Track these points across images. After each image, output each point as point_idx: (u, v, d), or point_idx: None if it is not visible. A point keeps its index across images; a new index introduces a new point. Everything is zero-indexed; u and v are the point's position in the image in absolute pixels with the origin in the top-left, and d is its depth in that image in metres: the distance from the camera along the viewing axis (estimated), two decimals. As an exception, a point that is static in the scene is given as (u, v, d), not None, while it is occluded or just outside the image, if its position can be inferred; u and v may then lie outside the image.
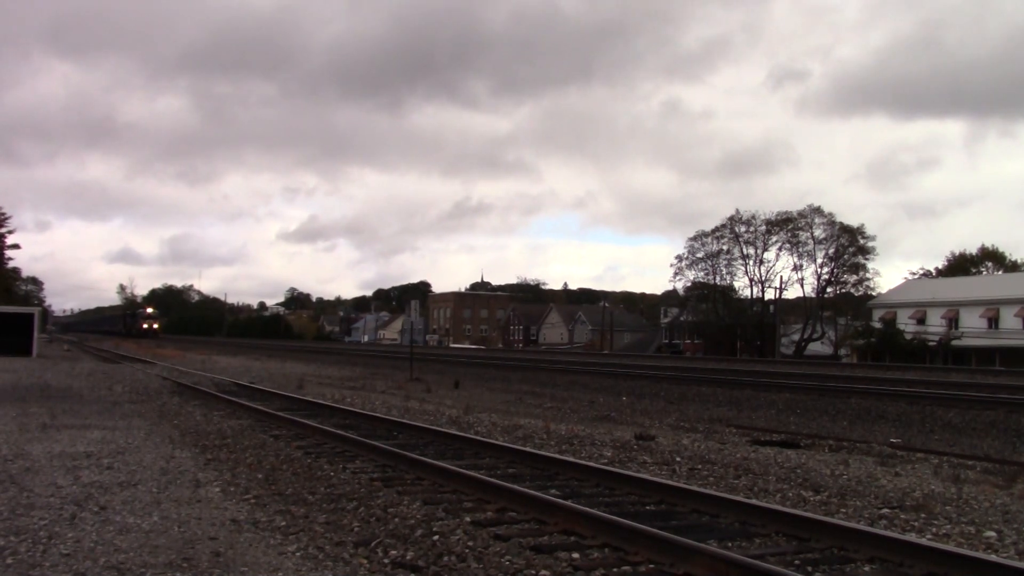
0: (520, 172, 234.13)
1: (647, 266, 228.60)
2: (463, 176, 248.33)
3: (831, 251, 74.93)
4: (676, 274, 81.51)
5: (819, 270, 75.50)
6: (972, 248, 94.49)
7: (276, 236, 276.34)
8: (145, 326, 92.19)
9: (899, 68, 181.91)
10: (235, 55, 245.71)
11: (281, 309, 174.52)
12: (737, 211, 78.19)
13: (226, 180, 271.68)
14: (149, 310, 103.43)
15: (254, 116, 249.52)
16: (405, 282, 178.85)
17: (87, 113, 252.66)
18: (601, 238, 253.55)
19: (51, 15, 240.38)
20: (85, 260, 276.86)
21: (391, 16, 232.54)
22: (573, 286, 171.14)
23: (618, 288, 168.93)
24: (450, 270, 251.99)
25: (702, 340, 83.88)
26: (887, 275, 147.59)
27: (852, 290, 76.75)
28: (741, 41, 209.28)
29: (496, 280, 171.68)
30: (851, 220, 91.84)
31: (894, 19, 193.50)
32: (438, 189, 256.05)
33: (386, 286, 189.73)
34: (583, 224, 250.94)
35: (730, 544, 6.40)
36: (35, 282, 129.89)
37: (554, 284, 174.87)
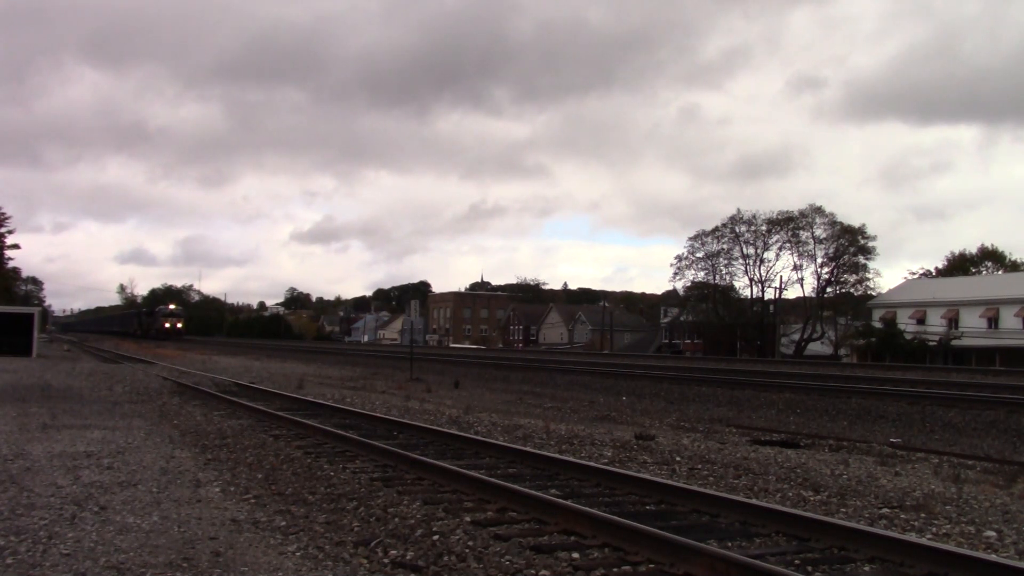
0: (537, 175, 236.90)
1: (655, 267, 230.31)
2: (480, 179, 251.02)
3: (831, 251, 74.96)
4: (676, 274, 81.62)
5: (819, 270, 75.59)
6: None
7: (289, 237, 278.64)
8: (167, 325, 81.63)
9: (914, 76, 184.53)
10: (269, 64, 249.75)
11: (281, 309, 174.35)
12: (738, 211, 78.26)
13: (246, 183, 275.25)
14: (171, 307, 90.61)
15: (281, 123, 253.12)
16: (415, 283, 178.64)
17: (114, 119, 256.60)
18: (611, 240, 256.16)
19: (89, 27, 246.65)
20: (98, 261, 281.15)
21: (421, 26, 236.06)
22: (582, 287, 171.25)
23: (627, 289, 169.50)
24: (460, 271, 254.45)
25: (702, 340, 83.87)
26: (894, 276, 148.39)
27: (852, 290, 76.68)
28: (760, 51, 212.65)
29: (503, 281, 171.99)
30: (860, 222, 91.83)
31: (910, 28, 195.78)
32: (454, 192, 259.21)
33: (395, 286, 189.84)
34: (594, 226, 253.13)
35: (730, 544, 6.40)
36: (35, 282, 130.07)
37: (561, 285, 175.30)
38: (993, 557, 6.06)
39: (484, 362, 39.70)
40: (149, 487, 8.38)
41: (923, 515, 7.70)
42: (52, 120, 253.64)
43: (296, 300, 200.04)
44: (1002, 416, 16.61)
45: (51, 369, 29.00)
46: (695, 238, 79.63)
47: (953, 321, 68.74)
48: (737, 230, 77.13)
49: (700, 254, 79.21)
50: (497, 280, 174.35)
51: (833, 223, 74.56)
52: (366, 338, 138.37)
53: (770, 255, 76.55)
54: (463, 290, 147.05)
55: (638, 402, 21.95)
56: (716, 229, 78.15)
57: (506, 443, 11.47)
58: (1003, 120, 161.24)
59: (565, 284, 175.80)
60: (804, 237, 75.06)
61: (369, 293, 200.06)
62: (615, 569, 5.75)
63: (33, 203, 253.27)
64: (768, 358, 61.69)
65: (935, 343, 62.45)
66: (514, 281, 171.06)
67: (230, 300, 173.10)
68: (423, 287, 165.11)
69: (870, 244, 74.12)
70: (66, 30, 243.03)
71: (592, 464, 9.65)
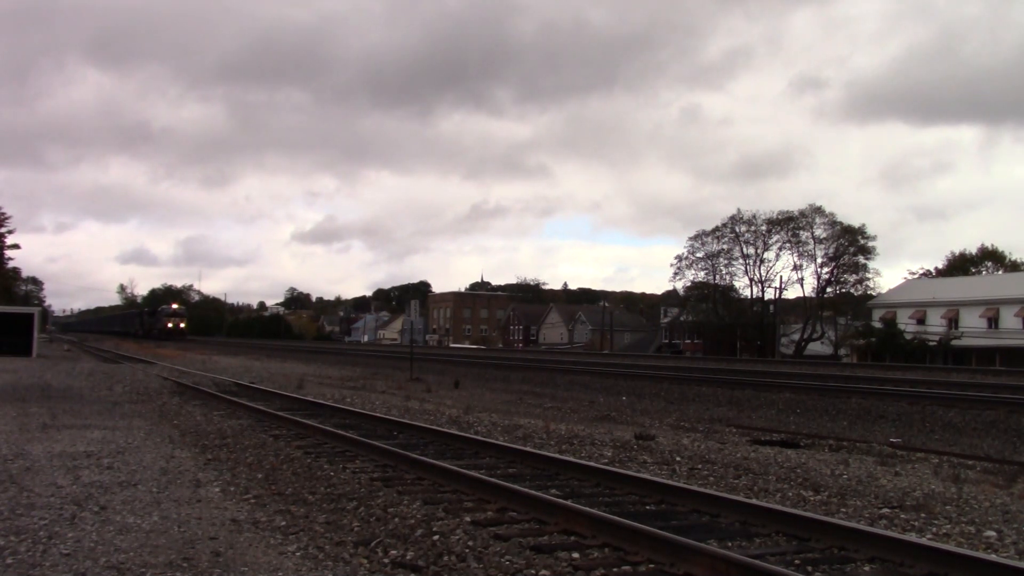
0: (538, 176, 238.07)
1: (656, 267, 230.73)
2: (481, 180, 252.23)
3: (831, 251, 74.97)
4: (676, 274, 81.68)
5: (819, 270, 75.63)
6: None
7: (291, 237, 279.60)
8: (170, 325, 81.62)
9: (915, 76, 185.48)
10: (272, 65, 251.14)
11: (281, 309, 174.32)
12: (738, 211, 78.32)
13: (248, 183, 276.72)
14: (174, 306, 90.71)
15: (283, 123, 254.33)
16: (415, 283, 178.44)
17: (117, 119, 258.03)
18: (612, 240, 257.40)
19: (92, 27, 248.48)
20: (99, 261, 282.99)
21: (424, 27, 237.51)
22: (583, 287, 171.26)
23: (627, 289, 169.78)
24: (460, 271, 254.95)
25: (702, 340, 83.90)
26: (894, 276, 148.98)
27: (852, 290, 76.75)
28: (762, 51, 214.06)
29: (503, 281, 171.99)
30: (860, 222, 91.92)
31: (911, 29, 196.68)
32: (456, 192, 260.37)
33: (395, 286, 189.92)
34: (595, 226, 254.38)
35: (730, 544, 6.40)
36: (35, 282, 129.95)
37: (561, 285, 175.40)
38: (993, 557, 6.05)
39: (484, 362, 39.70)
40: (149, 487, 8.38)
41: (923, 515, 7.70)
42: (54, 120, 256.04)
43: (296, 300, 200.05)
44: (1002, 416, 16.61)
45: (51, 369, 29.01)
46: (695, 238, 79.82)
47: (953, 321, 68.71)
48: (737, 230, 77.28)
49: (700, 254, 79.40)
50: (497, 280, 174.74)
51: (833, 223, 74.71)
52: (366, 338, 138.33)
53: (770, 255, 76.76)
54: (463, 290, 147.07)
55: (638, 402, 21.95)
56: (716, 229, 78.32)
57: (506, 443, 11.47)
58: (1004, 120, 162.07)
59: (565, 284, 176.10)
60: (804, 237, 75.24)
61: (369, 293, 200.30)
62: (615, 569, 5.75)
63: (35, 203, 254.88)
64: (768, 358, 61.70)
65: (935, 343, 62.44)
66: (514, 281, 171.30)
67: (230, 300, 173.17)
68: (423, 287, 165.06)
69: (870, 244, 74.33)
70: (69, 31, 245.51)
71: (592, 464, 9.65)
